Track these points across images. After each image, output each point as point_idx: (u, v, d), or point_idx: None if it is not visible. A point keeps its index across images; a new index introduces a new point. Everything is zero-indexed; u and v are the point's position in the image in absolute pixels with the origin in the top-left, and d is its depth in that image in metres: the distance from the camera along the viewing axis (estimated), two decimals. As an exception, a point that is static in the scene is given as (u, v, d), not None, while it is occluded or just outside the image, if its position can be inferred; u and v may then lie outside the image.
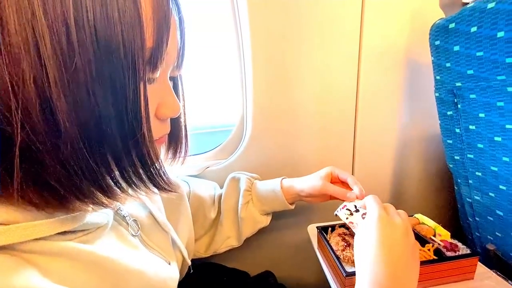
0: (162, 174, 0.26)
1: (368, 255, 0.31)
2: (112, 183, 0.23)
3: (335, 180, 0.51)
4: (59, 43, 0.17)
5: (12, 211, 0.20)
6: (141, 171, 0.24)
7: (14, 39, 0.17)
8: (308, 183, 0.50)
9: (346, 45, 0.60)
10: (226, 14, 0.59)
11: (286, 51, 0.58)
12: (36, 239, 0.21)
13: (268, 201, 0.54)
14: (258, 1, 0.54)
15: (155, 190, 0.26)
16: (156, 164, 0.24)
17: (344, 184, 0.49)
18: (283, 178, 0.54)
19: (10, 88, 0.17)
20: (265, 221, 0.56)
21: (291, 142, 0.65)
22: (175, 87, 0.32)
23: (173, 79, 0.32)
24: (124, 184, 0.23)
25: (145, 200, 0.38)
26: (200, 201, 0.54)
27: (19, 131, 0.18)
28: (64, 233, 0.23)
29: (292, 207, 0.54)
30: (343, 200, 0.45)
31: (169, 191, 0.27)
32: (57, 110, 0.18)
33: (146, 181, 0.25)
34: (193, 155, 0.67)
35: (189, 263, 0.45)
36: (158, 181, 0.25)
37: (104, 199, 0.23)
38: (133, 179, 0.24)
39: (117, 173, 0.22)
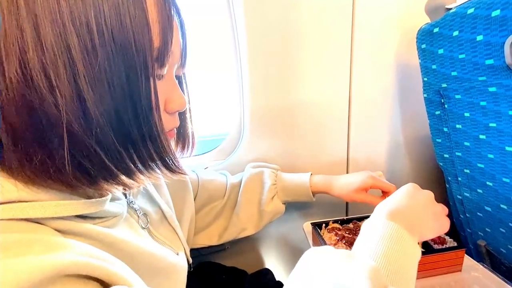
0: (173, 158, 0.29)
1: (390, 198, 0.34)
2: (132, 166, 0.26)
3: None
4: (85, 46, 0.21)
5: (44, 192, 0.23)
6: (155, 155, 0.27)
7: (50, 44, 0.21)
8: (345, 192, 0.51)
9: (338, 49, 0.63)
10: (222, 18, 0.61)
11: (281, 55, 0.61)
12: (61, 218, 0.24)
13: (294, 194, 0.55)
14: (254, 5, 0.57)
15: (168, 173, 0.29)
16: (167, 149, 0.28)
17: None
18: (312, 175, 0.56)
19: (54, 82, 0.21)
20: (284, 209, 0.57)
21: (287, 142, 0.67)
22: (180, 85, 0.35)
23: (178, 78, 0.35)
24: (141, 167, 0.27)
25: (155, 195, 0.41)
26: (210, 192, 0.56)
27: (65, 116, 0.21)
28: (85, 218, 0.27)
29: (314, 199, 0.56)
30: None
31: (180, 173, 0.30)
32: (87, 101, 0.22)
33: (160, 164, 0.28)
34: (191, 156, 0.69)
35: (190, 260, 0.46)
36: (170, 164, 0.29)
37: (127, 181, 0.26)
38: (149, 163, 0.27)
39: (135, 157, 0.26)
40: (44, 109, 0.21)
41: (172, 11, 0.26)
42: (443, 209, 0.36)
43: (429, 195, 0.36)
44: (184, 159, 0.69)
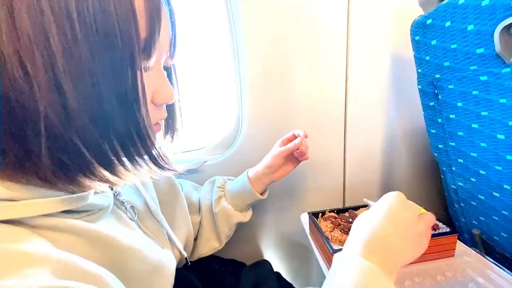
0: (161, 153, 0.28)
1: (369, 219, 0.32)
2: (117, 161, 0.25)
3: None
4: (65, 36, 0.20)
5: (23, 189, 0.22)
6: (142, 150, 0.26)
7: (27, 34, 0.19)
8: (266, 157, 0.55)
9: (334, 44, 0.63)
10: (219, 20, 0.62)
11: (279, 51, 0.62)
12: (44, 215, 0.23)
13: (238, 193, 0.55)
14: (251, 7, 0.58)
15: (156, 168, 0.28)
16: (155, 144, 0.27)
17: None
18: (248, 170, 0.57)
19: (30, 71, 0.20)
20: (241, 216, 0.56)
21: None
22: (169, 76, 0.34)
23: (167, 68, 0.34)
24: (127, 163, 0.26)
25: (140, 189, 0.40)
26: (190, 205, 0.55)
27: (42, 108, 0.20)
28: (69, 212, 0.25)
29: (263, 196, 0.55)
30: (301, 158, 0.55)
31: (169, 170, 0.29)
32: (67, 93, 0.21)
33: (147, 159, 0.27)
34: (190, 151, 0.70)
35: (185, 254, 0.45)
36: (158, 160, 0.28)
37: (110, 177, 0.25)
38: (135, 158, 0.26)
39: (121, 152, 0.25)
40: (19, 99, 0.20)
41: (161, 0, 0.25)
42: (426, 227, 0.33)
43: (412, 212, 0.33)
44: (182, 154, 0.69)
